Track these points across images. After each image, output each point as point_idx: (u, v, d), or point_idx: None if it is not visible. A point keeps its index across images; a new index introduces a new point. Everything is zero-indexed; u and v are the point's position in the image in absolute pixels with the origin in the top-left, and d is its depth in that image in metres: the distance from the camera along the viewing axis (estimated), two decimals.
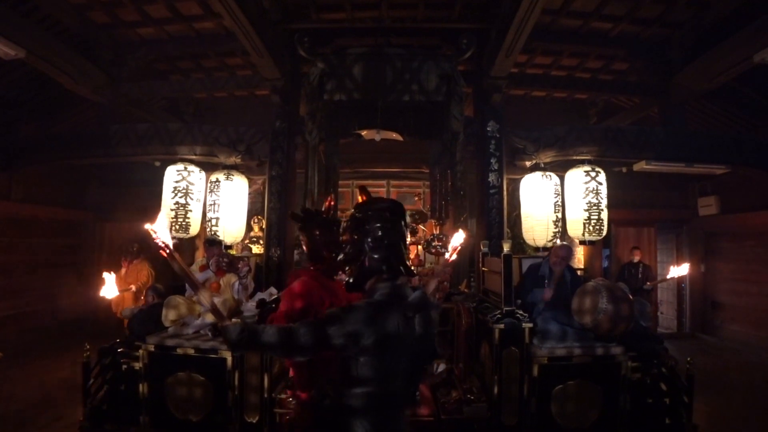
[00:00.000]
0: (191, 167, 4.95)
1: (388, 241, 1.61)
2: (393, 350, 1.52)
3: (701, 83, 5.32)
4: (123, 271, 5.58)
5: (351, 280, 1.67)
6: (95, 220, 7.98)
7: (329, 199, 2.49)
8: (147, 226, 1.58)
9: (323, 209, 2.48)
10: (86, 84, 5.39)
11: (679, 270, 4.92)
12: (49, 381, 4.97)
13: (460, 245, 2.28)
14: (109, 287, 4.03)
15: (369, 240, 1.61)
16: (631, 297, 3.34)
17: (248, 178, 5.32)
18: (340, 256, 1.72)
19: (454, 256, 2.30)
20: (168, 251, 1.57)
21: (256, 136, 5.17)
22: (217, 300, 3.56)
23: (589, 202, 4.79)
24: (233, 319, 1.65)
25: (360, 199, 1.86)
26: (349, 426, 1.51)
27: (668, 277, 6.33)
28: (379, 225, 1.61)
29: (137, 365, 3.43)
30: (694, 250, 7.86)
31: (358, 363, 1.51)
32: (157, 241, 1.56)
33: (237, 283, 3.63)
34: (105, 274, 4.09)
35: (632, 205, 7.61)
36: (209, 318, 3.40)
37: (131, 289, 6.03)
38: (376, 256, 1.60)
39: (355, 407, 1.52)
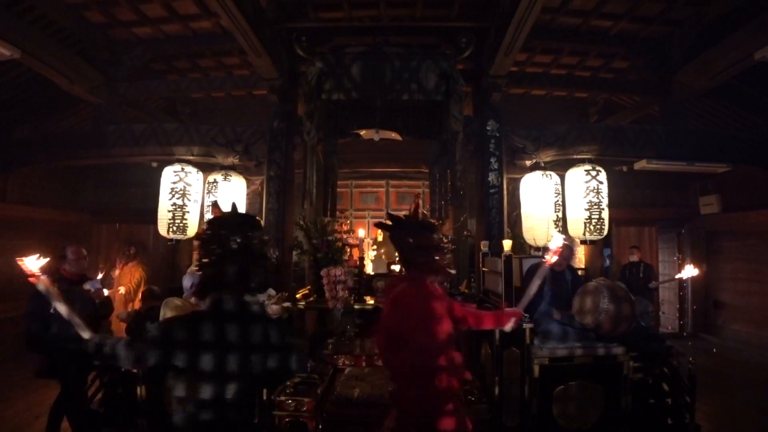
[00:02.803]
0: (188, 168, 4.93)
1: (218, 259, 1.66)
2: (212, 368, 1.56)
3: (702, 81, 5.29)
4: (117, 272, 5.55)
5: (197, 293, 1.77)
6: (91, 222, 7.93)
7: (416, 200, 2.41)
8: (18, 259, 1.82)
9: (411, 212, 2.40)
10: (82, 84, 5.35)
11: (688, 272, 4.87)
12: (46, 384, 4.91)
13: (559, 248, 2.35)
14: (105, 282, 4.12)
15: (209, 256, 1.69)
16: (632, 297, 3.32)
17: (246, 179, 5.29)
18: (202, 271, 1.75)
19: (554, 258, 2.36)
20: (35, 277, 1.78)
21: (254, 136, 5.14)
22: None
23: (590, 202, 4.77)
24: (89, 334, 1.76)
25: (214, 215, 1.86)
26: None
27: (676, 277, 6.29)
28: (214, 245, 1.68)
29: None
30: (696, 250, 7.83)
31: (179, 382, 1.58)
32: (25, 268, 1.77)
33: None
34: (99, 275, 4.13)
35: (633, 204, 7.58)
36: None
37: (119, 291, 6.01)
38: (211, 272, 1.67)
39: (178, 428, 1.60)
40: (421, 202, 2.45)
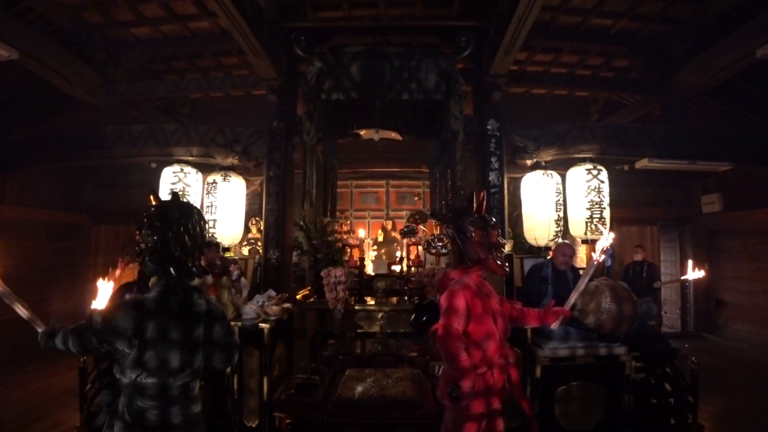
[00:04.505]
0: (187, 168, 4.91)
1: (154, 245, 1.74)
2: (152, 352, 1.62)
3: (703, 80, 5.28)
4: (118, 272, 5.49)
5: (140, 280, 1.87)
6: (90, 223, 7.91)
7: (480, 194, 2.37)
8: None
9: (475, 205, 2.35)
10: (80, 85, 5.34)
11: (695, 273, 4.83)
12: (46, 386, 4.91)
13: (608, 247, 2.35)
14: (102, 297, 3.91)
15: (145, 243, 1.77)
16: (634, 296, 3.29)
17: (245, 179, 5.26)
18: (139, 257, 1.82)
19: (603, 257, 2.37)
20: None
21: (253, 137, 5.11)
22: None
23: (591, 201, 4.75)
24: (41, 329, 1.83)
25: (151, 202, 1.90)
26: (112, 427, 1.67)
27: (681, 278, 6.25)
28: (149, 231, 1.76)
29: None
30: (698, 249, 7.81)
31: (121, 366, 1.64)
32: None
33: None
34: (99, 282, 3.98)
35: (634, 203, 7.56)
36: None
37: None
38: (148, 258, 1.75)
39: (117, 410, 1.68)
40: (483, 195, 2.39)
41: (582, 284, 2.46)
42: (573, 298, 2.52)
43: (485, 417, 2.15)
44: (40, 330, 1.81)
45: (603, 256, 2.39)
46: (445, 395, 2.14)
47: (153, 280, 1.77)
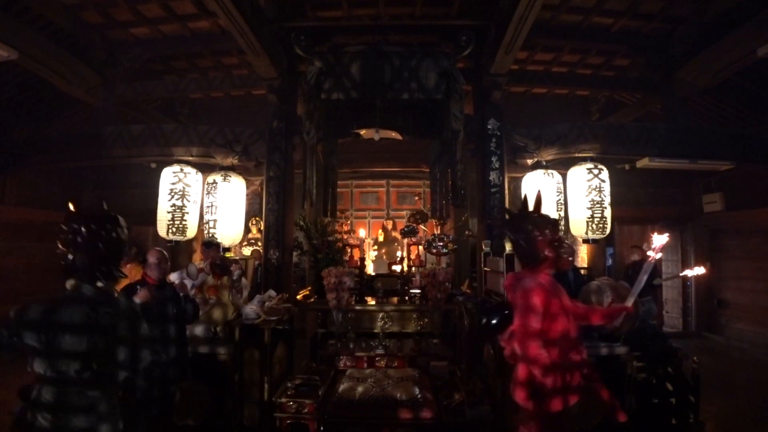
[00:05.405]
0: (187, 169, 4.90)
1: (76, 248, 1.90)
2: (60, 348, 1.74)
3: (704, 79, 5.26)
4: None
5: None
6: None
7: (538, 194, 2.43)
8: None
9: (534, 207, 2.40)
10: (80, 85, 5.33)
11: (695, 270, 4.82)
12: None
13: (663, 245, 2.41)
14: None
15: (65, 246, 1.91)
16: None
17: (246, 179, 5.25)
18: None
19: (659, 255, 2.43)
20: None
21: (253, 137, 5.10)
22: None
23: (592, 200, 4.74)
24: None
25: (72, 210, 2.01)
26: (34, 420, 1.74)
27: (681, 274, 6.25)
28: (64, 239, 1.92)
29: None
30: (699, 248, 7.79)
31: (33, 360, 1.75)
32: None
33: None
34: None
35: (636, 202, 7.54)
36: (197, 330, 3.35)
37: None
38: (70, 259, 1.90)
39: (35, 402, 1.75)
40: (539, 196, 2.45)
41: (642, 281, 2.46)
42: (633, 295, 2.54)
43: (563, 415, 2.16)
44: None
45: (659, 254, 2.45)
46: (524, 397, 2.15)
47: (70, 282, 1.91)
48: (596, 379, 2.30)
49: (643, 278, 2.51)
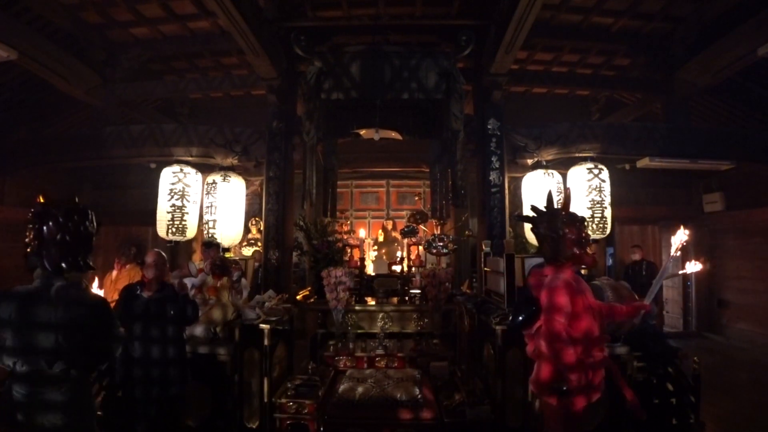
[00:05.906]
0: (187, 169, 4.89)
1: (41, 241, 1.91)
2: (28, 342, 1.77)
3: (704, 78, 5.26)
4: (114, 274, 5.38)
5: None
6: None
7: (566, 191, 2.47)
8: None
9: (562, 204, 2.43)
10: (79, 85, 5.32)
11: (693, 266, 4.82)
12: None
13: (683, 243, 2.49)
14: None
15: (32, 239, 1.93)
16: (636, 296, 3.27)
17: (245, 180, 5.25)
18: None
19: (679, 253, 2.52)
20: None
21: (253, 137, 5.10)
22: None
23: (593, 200, 4.73)
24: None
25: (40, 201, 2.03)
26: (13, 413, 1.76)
27: (680, 272, 6.25)
28: (31, 229, 1.94)
29: None
30: (700, 248, 7.76)
31: (2, 355, 1.78)
32: None
33: None
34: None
35: (636, 202, 7.52)
36: (197, 331, 3.34)
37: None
38: (33, 253, 1.92)
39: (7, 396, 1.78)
40: (570, 193, 2.50)
41: (661, 278, 2.55)
42: (652, 293, 2.58)
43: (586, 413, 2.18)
44: None
45: (679, 253, 2.51)
46: (548, 393, 2.17)
47: (36, 272, 1.92)
48: (619, 378, 2.32)
49: (665, 276, 2.62)
